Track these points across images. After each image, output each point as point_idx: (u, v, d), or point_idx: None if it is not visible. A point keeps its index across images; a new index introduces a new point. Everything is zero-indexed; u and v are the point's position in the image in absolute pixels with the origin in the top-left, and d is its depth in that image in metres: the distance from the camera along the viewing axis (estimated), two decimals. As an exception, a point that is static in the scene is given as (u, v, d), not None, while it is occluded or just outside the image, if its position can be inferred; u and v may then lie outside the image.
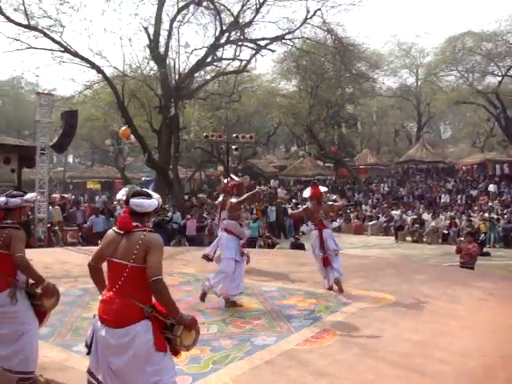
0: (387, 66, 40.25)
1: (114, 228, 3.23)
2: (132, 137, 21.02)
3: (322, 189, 8.42)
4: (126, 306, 3.00)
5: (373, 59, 32.94)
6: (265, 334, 5.56)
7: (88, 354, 3.22)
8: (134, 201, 3.16)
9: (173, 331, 3.04)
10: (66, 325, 5.88)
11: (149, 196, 3.24)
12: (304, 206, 8.67)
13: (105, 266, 3.29)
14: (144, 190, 3.37)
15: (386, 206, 25.50)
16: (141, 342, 2.96)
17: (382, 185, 32.22)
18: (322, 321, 6.11)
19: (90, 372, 3.19)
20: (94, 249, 9.75)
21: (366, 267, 10.34)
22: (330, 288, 7.85)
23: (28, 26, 17.58)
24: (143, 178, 40.19)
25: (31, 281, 4.22)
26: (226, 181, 8.46)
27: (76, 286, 8.07)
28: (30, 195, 4.54)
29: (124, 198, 3.26)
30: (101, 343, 3.07)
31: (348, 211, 25.45)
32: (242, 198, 7.33)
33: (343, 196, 29.98)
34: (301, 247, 14.17)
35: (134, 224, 3.13)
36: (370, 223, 23.11)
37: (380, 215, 23.72)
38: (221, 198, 8.42)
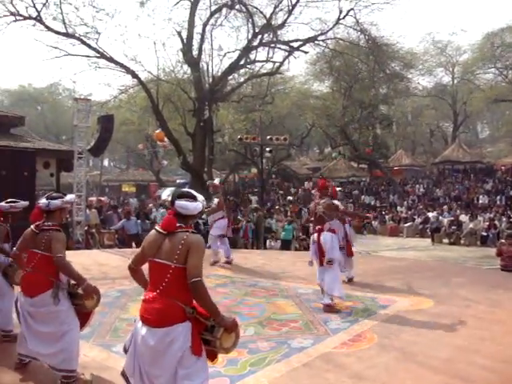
0: (422, 65, 39.58)
1: (157, 227, 3.23)
2: (167, 140, 21.30)
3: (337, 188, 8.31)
4: (169, 305, 3.00)
5: (407, 58, 32.45)
6: (302, 337, 5.52)
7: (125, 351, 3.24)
8: (179, 203, 3.15)
9: (213, 333, 3.03)
10: (105, 326, 5.97)
11: (194, 198, 3.22)
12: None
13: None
14: (190, 191, 3.34)
15: (421, 207, 25.07)
16: (179, 344, 2.96)
17: (417, 186, 31.71)
18: (359, 324, 6.04)
19: (123, 374, 3.22)
20: (130, 251, 9.98)
21: (402, 269, 10.16)
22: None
23: (66, 34, 18.03)
24: (178, 181, 40.60)
25: (73, 281, 4.32)
26: (216, 181, 9.17)
27: (114, 287, 8.18)
28: (69, 196, 4.64)
29: (169, 198, 3.28)
30: (139, 345, 3.08)
31: (383, 213, 25.15)
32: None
33: (378, 197, 29.71)
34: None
35: (178, 225, 3.13)
36: (406, 225, 22.78)
37: (416, 217, 23.35)
38: (216, 200, 8.80)
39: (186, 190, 3.34)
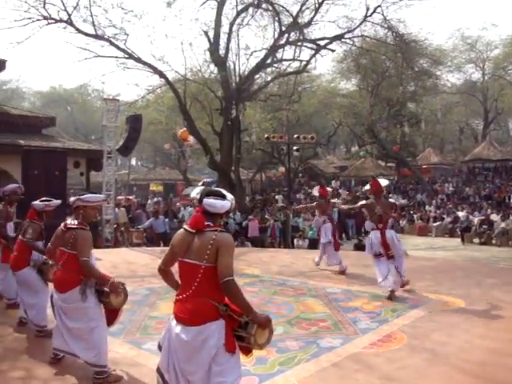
0: (451, 61, 38.82)
1: (185, 226, 3.23)
2: (191, 139, 21.41)
3: (383, 182, 8.21)
4: (202, 304, 3.03)
5: (436, 55, 31.90)
6: (331, 337, 5.52)
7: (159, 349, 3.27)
8: (207, 201, 3.16)
9: (247, 329, 3.04)
10: (135, 323, 6.06)
11: (223, 196, 3.23)
12: (362, 202, 8.43)
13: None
14: (220, 190, 3.36)
15: (451, 206, 24.65)
16: (213, 341, 2.99)
17: (446, 185, 31.18)
18: (388, 324, 6.00)
19: (158, 371, 3.25)
20: (158, 249, 10.14)
21: (432, 269, 10.04)
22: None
23: (95, 36, 18.28)
24: (204, 180, 40.86)
25: None
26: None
27: (143, 285, 8.30)
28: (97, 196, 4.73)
29: (198, 196, 3.29)
30: (173, 342, 3.11)
31: (411, 212, 24.82)
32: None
33: (406, 196, 29.33)
34: (364, 248, 13.93)
35: (206, 223, 3.14)
36: (435, 224, 22.41)
37: (445, 216, 22.96)
38: None
39: (215, 188, 3.35)
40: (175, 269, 3.31)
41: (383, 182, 8.11)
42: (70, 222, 4.49)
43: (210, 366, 3.01)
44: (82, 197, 4.55)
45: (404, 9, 31.81)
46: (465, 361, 4.77)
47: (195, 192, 3.34)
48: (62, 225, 4.53)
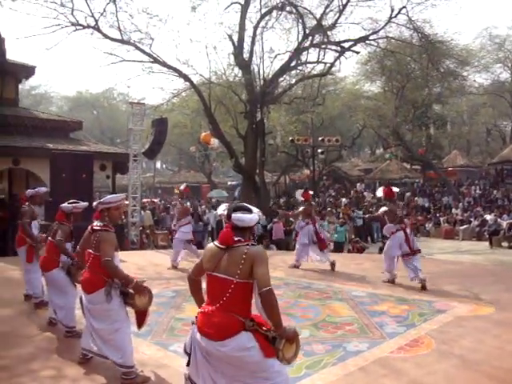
0: (478, 61, 38.15)
1: (216, 242, 3.25)
2: (214, 141, 21.50)
3: (395, 189, 9.16)
4: (228, 319, 3.02)
5: (462, 55, 31.41)
6: (357, 340, 5.48)
7: (188, 364, 3.26)
8: (235, 216, 3.18)
9: (274, 344, 3.02)
10: (161, 325, 6.10)
11: (249, 210, 3.25)
12: (384, 209, 8.97)
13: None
14: (245, 204, 3.38)
15: (478, 209, 24.22)
16: (245, 349, 2.98)
17: (473, 187, 30.67)
18: (416, 328, 5.92)
19: (190, 379, 3.27)
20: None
21: (459, 273, 9.87)
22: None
23: (121, 41, 18.51)
24: (229, 183, 41.06)
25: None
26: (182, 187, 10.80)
27: (168, 287, 8.36)
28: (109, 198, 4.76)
29: (225, 212, 3.31)
30: (202, 354, 3.12)
31: (437, 215, 24.47)
32: None
33: (432, 199, 28.94)
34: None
35: (236, 239, 3.14)
36: (462, 227, 22.04)
37: (472, 219, 22.58)
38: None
39: (241, 203, 3.38)
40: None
41: (395, 189, 9.09)
42: (96, 224, 4.56)
43: (253, 375, 3.02)
44: (102, 200, 4.64)
45: (430, 9, 31.21)
46: (495, 367, 4.67)
47: (221, 209, 3.37)
48: (89, 227, 4.61)
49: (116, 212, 4.64)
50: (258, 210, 3.35)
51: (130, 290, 4.36)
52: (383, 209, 8.94)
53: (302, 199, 10.84)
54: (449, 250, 18.20)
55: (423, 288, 8.03)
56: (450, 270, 10.35)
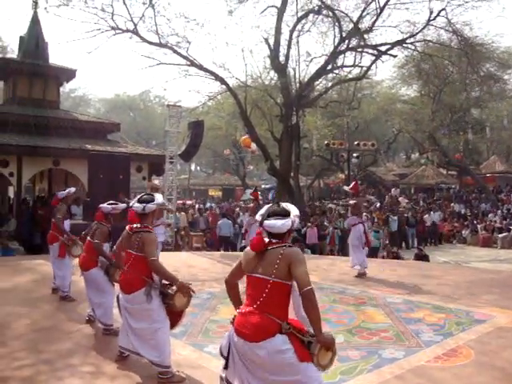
0: (520, 64, 37.15)
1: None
2: (253, 145, 21.59)
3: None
4: (265, 320, 3.01)
5: (503, 58, 30.64)
6: (393, 348, 5.39)
7: (226, 367, 3.26)
8: (266, 223, 3.17)
9: (310, 349, 3.00)
10: (196, 326, 6.15)
11: (285, 215, 3.19)
12: (352, 202, 10.16)
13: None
14: (284, 208, 3.28)
15: (518, 217, 23.59)
16: (281, 353, 2.97)
17: (513, 194, 29.88)
18: (453, 338, 5.78)
19: (227, 381, 3.27)
20: (217, 254, 10.31)
21: (498, 283, 9.59)
22: None
23: (159, 44, 18.84)
24: (263, 186, 41.11)
25: (164, 281, 4.50)
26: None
27: (203, 289, 8.39)
28: (160, 199, 4.82)
29: (259, 219, 3.30)
30: (238, 356, 3.13)
31: (474, 222, 23.93)
32: None
33: (469, 206, 28.29)
34: (425, 258, 13.59)
35: (273, 241, 3.14)
36: (500, 235, 21.49)
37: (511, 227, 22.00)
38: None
39: (280, 207, 3.28)
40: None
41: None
42: (136, 225, 4.60)
43: (287, 378, 3.00)
44: (158, 201, 4.67)
45: (470, 11, 30.55)
46: (539, 381, 4.53)
47: (260, 213, 3.33)
48: (128, 228, 4.64)
49: (155, 214, 4.78)
50: (296, 212, 3.26)
51: (169, 291, 4.39)
52: (351, 202, 10.04)
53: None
54: (486, 258, 17.80)
55: (359, 276, 9.51)
56: (488, 279, 10.08)
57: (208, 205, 29.17)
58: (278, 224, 3.14)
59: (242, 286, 3.31)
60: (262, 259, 3.11)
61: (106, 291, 5.79)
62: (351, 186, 10.81)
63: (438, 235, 22.52)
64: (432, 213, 23.81)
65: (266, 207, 3.35)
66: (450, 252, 19.28)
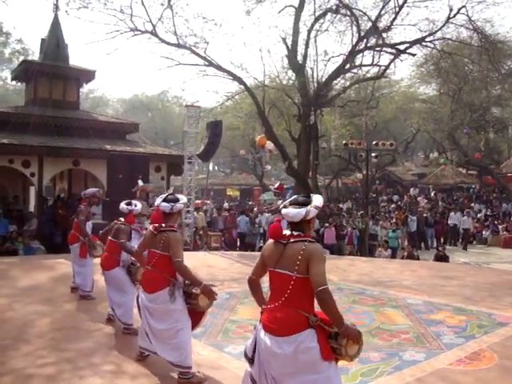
0: (543, 61, 36.47)
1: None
2: (269, 145, 21.54)
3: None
4: (292, 315, 3.01)
5: (526, 55, 30.08)
6: (413, 350, 5.35)
7: (251, 364, 3.25)
8: (283, 210, 3.19)
9: (337, 340, 3.00)
10: (216, 326, 6.17)
11: (304, 204, 3.16)
12: (280, 202, 9.97)
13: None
14: (305, 197, 3.26)
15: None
16: (306, 350, 2.96)
17: (534, 194, 29.37)
18: (475, 341, 5.72)
19: (252, 379, 3.27)
20: (235, 254, 10.40)
21: (522, 285, 9.46)
22: None
23: (177, 45, 18.89)
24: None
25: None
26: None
27: (222, 289, 8.40)
28: (184, 198, 4.85)
29: (280, 206, 3.32)
30: (264, 353, 3.11)
31: (495, 222, 23.58)
32: None
33: (489, 206, 27.89)
34: (445, 259, 13.45)
35: (294, 233, 3.14)
36: (523, 236, 21.17)
37: (533, 228, 21.65)
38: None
39: (304, 197, 3.26)
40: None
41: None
42: (159, 224, 4.60)
43: (308, 376, 2.99)
44: (184, 201, 4.73)
45: (491, 8, 30.18)
46: None
47: (281, 202, 3.37)
48: (152, 227, 4.62)
49: (178, 214, 4.76)
50: (318, 202, 3.18)
51: (194, 290, 4.37)
52: (279, 203, 9.79)
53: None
54: (508, 259, 17.53)
55: None
56: (510, 280, 9.95)
57: (225, 204, 29.17)
58: (292, 212, 3.14)
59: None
60: (284, 253, 3.10)
61: (127, 291, 5.83)
62: (276, 185, 11.10)
63: (467, 237, 21.88)
64: (458, 213, 22.84)
65: (293, 197, 3.34)
66: (470, 253, 19.03)
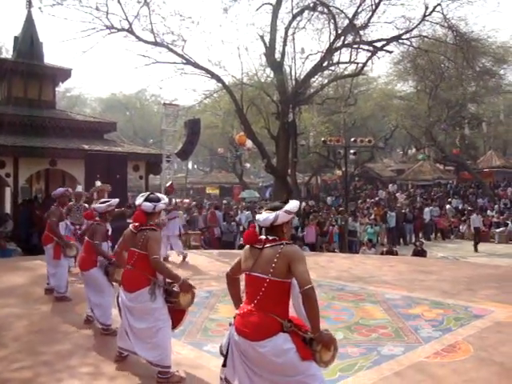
0: (516, 59, 37.10)
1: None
2: (248, 143, 21.55)
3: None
4: (265, 319, 3.01)
5: (499, 53, 30.62)
6: (392, 344, 5.40)
7: (224, 365, 3.26)
8: (256, 216, 3.26)
9: (312, 346, 3.00)
10: (195, 325, 6.14)
11: (275, 209, 3.18)
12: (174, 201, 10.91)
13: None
14: (278, 204, 3.27)
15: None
16: (282, 351, 2.96)
17: (509, 189, 29.93)
18: (452, 333, 5.79)
19: (226, 380, 3.27)
20: (215, 252, 10.34)
21: (496, 278, 9.61)
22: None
23: (154, 43, 18.79)
24: (260, 184, 41.10)
25: (169, 280, 4.47)
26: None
27: (202, 288, 8.34)
28: (165, 198, 4.83)
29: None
30: (239, 354, 3.12)
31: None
32: None
33: (466, 201, 28.31)
34: (423, 254, 13.61)
35: (269, 238, 3.15)
36: (498, 230, 21.58)
37: (509, 222, 22.04)
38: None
39: (275, 203, 3.29)
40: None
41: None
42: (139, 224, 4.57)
43: (289, 377, 3.00)
44: (166, 201, 4.75)
45: (465, 6, 30.51)
46: (540, 377, 4.52)
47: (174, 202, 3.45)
48: (132, 226, 4.59)
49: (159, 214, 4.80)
50: (290, 206, 3.20)
51: (175, 289, 4.37)
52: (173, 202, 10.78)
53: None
54: (484, 253, 17.85)
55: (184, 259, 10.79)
56: (486, 273, 10.10)
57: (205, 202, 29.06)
58: (262, 217, 3.18)
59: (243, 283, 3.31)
60: (260, 257, 3.10)
61: (105, 291, 5.77)
62: (168, 185, 11.62)
63: (435, 230, 22.56)
64: (430, 208, 23.72)
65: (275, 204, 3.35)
66: (448, 247, 19.32)
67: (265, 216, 3.16)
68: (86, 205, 9.27)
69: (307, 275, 2.98)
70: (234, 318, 3.20)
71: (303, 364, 2.98)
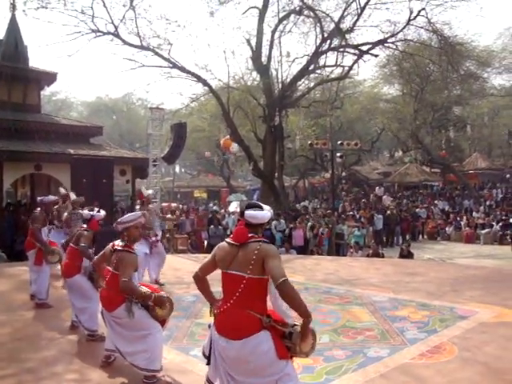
0: (499, 62, 37.47)
1: (228, 240, 3.27)
2: (234, 146, 21.55)
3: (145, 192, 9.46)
4: (244, 317, 3.03)
5: (483, 57, 30.98)
6: (378, 346, 5.43)
7: (208, 364, 3.30)
8: (248, 212, 3.21)
9: (291, 339, 3.04)
10: (182, 330, 6.12)
11: (261, 208, 3.27)
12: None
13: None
14: (256, 202, 3.41)
15: (499, 213, 23.85)
16: (262, 351, 2.98)
17: (494, 191, 30.21)
18: (437, 335, 5.84)
19: (208, 381, 3.29)
20: (201, 256, 10.30)
21: (482, 279, 9.71)
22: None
23: (141, 47, 18.76)
24: (248, 187, 41.05)
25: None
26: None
27: (188, 292, 8.34)
28: (132, 215, 4.77)
29: (238, 210, 3.35)
30: (220, 353, 3.13)
31: (458, 219, 24.16)
32: None
33: (452, 203, 28.54)
34: (410, 256, 13.69)
35: (249, 235, 3.17)
36: (483, 231, 21.75)
37: (494, 223, 22.25)
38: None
39: (252, 201, 3.41)
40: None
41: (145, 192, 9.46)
42: (118, 243, 4.59)
43: (265, 376, 3.02)
44: (120, 219, 4.66)
45: (449, 11, 30.95)
46: (521, 375, 4.58)
47: (233, 206, 3.43)
48: (110, 245, 4.65)
49: (136, 231, 4.65)
50: (269, 207, 3.36)
51: (150, 303, 4.40)
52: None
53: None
54: (470, 254, 17.99)
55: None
56: (472, 275, 10.20)
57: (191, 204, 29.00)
58: (259, 215, 3.20)
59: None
60: (238, 255, 3.12)
61: (91, 297, 5.73)
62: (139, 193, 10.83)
63: (419, 231, 22.74)
64: (417, 210, 24.02)
65: (236, 203, 3.43)
66: (435, 249, 19.44)
67: (262, 213, 3.21)
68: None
69: (281, 269, 3.00)
70: (214, 317, 3.22)
71: (280, 363, 3.02)
